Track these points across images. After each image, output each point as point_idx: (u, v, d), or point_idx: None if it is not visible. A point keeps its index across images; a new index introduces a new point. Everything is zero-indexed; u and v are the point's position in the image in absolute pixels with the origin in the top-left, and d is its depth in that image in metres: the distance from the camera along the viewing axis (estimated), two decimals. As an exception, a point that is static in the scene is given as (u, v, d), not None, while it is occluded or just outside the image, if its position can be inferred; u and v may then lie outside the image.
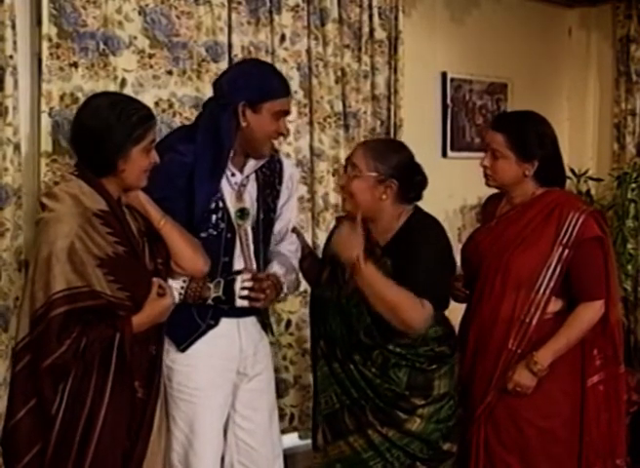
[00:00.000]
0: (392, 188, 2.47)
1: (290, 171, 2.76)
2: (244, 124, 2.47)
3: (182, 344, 2.50)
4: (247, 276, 2.52)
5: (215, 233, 2.52)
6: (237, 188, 2.56)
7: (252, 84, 2.48)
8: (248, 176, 2.59)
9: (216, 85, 2.60)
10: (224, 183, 2.54)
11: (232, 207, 2.55)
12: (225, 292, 2.50)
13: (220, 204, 2.53)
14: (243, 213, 2.56)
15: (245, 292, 2.50)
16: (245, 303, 2.52)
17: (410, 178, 2.50)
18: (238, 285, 2.50)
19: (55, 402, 2.11)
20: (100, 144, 2.19)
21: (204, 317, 2.52)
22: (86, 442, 2.12)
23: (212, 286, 2.49)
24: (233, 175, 2.55)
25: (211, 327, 2.53)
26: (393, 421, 2.45)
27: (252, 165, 2.59)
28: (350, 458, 2.50)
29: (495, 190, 2.82)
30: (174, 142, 2.54)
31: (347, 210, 2.54)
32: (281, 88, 2.53)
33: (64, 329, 2.08)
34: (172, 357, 2.51)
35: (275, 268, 2.65)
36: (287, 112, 2.57)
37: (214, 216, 2.52)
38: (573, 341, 2.58)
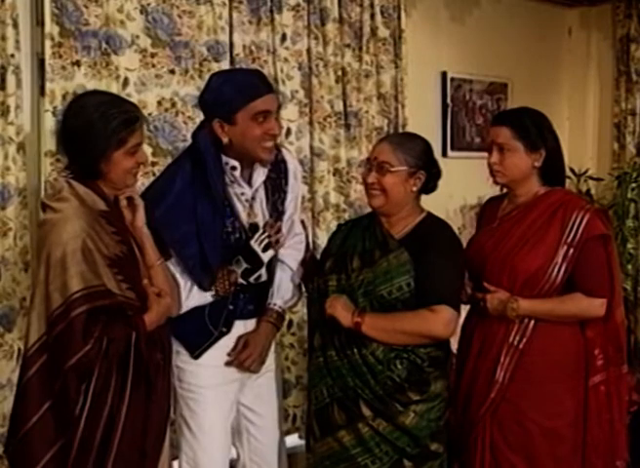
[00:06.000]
0: (421, 179, 2.54)
1: (292, 167, 2.71)
2: (225, 139, 2.39)
3: (195, 352, 2.49)
4: (258, 234, 2.51)
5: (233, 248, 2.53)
6: (249, 204, 2.54)
7: (218, 100, 2.39)
8: (257, 189, 2.56)
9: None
10: (236, 202, 2.51)
11: (245, 223, 2.53)
12: (248, 260, 2.50)
13: (237, 224, 2.51)
14: (251, 227, 2.54)
15: (265, 241, 2.51)
16: (271, 253, 2.52)
17: (431, 168, 2.57)
18: (256, 245, 2.50)
19: (78, 402, 2.09)
20: (83, 148, 2.17)
21: (216, 324, 2.51)
22: (108, 441, 2.11)
23: (233, 267, 2.49)
24: (243, 193, 2.53)
25: (223, 334, 2.52)
26: (388, 412, 2.44)
27: (259, 176, 2.55)
28: (339, 454, 2.48)
29: (493, 192, 2.83)
30: (172, 182, 2.49)
31: (375, 206, 2.57)
32: (251, 91, 2.39)
33: (87, 328, 2.06)
34: (182, 358, 2.51)
35: (275, 299, 2.65)
36: (268, 111, 2.41)
37: (232, 238, 2.50)
38: (555, 315, 2.58)
